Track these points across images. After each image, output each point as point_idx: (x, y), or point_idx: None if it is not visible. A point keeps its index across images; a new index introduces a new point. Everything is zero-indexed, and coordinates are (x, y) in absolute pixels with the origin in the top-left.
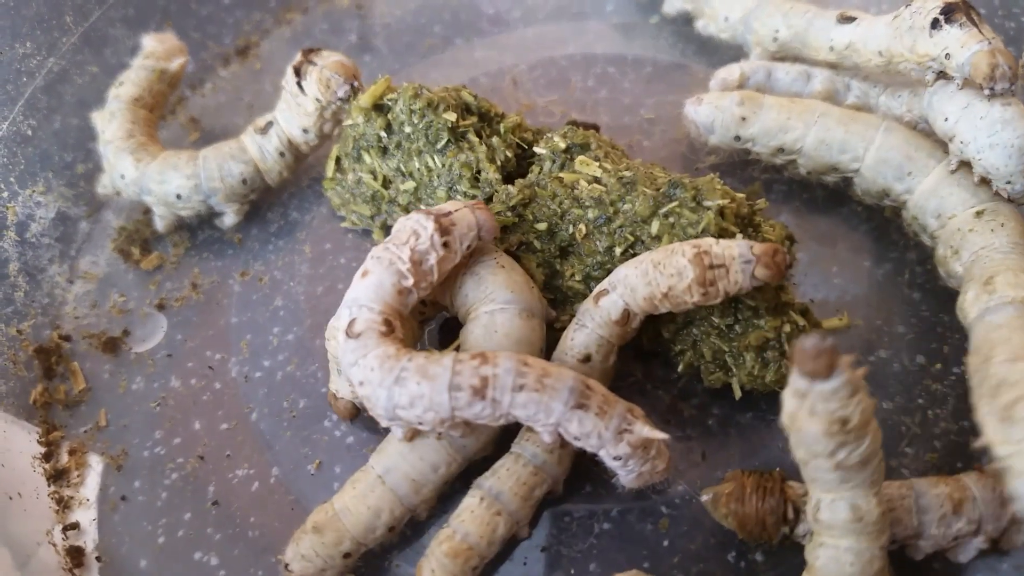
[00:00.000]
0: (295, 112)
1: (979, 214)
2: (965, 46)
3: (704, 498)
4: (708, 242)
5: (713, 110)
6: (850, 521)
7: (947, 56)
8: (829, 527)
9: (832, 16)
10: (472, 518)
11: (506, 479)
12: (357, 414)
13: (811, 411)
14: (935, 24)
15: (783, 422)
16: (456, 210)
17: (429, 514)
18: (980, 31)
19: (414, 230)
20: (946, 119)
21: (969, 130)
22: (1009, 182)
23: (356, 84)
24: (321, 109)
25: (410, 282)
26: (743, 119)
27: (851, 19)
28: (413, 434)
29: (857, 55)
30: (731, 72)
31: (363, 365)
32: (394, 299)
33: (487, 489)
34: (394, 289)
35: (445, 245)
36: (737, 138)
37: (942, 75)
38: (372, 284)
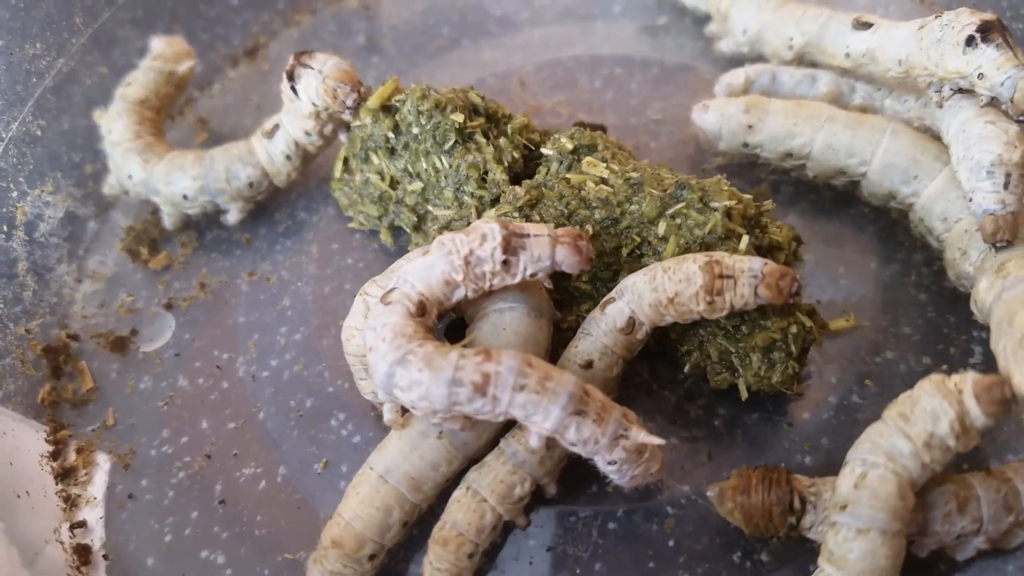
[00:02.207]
0: (294, 116)
1: None
2: (1001, 68)
3: (710, 493)
4: (721, 253)
5: (719, 118)
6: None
7: (980, 76)
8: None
9: (847, 20)
10: (459, 507)
11: (486, 474)
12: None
13: None
14: (970, 41)
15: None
16: (536, 235)
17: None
18: (1015, 54)
19: (484, 234)
20: (948, 131)
21: (955, 142)
22: (970, 198)
23: (362, 90)
24: (317, 113)
25: (459, 277)
26: (750, 126)
27: (868, 25)
28: (403, 423)
29: (875, 64)
30: (736, 77)
31: (378, 333)
32: (438, 286)
33: (471, 480)
34: (442, 277)
35: (505, 263)
36: (745, 144)
37: (959, 91)
38: (424, 265)
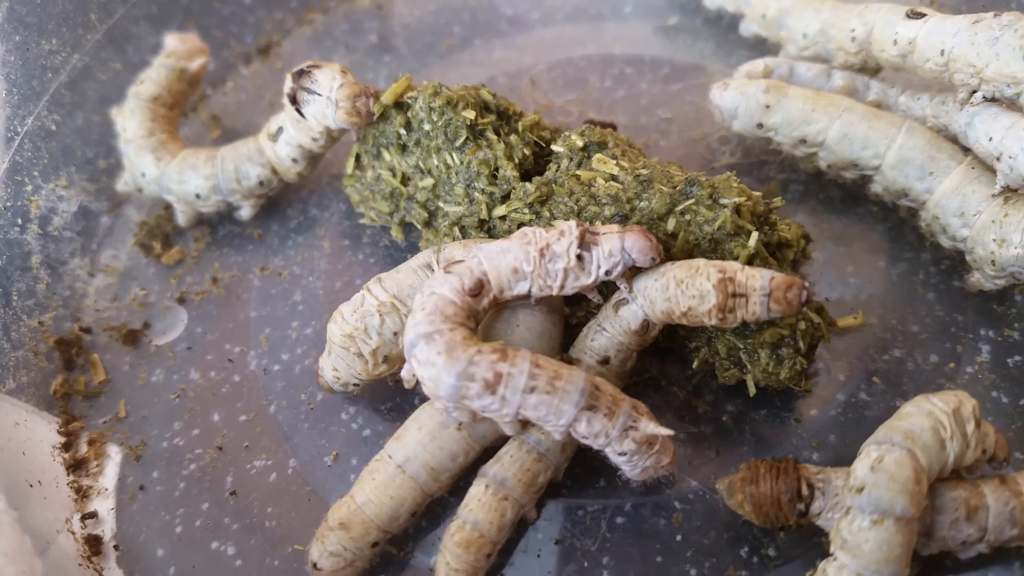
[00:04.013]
0: (301, 129)
1: (1006, 200)
2: None
3: (719, 486)
4: (734, 267)
5: (738, 96)
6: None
7: None
8: (891, 479)
9: (901, 12)
10: (479, 506)
11: (510, 465)
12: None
13: None
14: None
15: None
16: (606, 232)
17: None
18: None
19: (562, 230)
20: (991, 138)
21: (1016, 143)
22: None
23: (373, 92)
24: (328, 129)
25: (529, 269)
26: (767, 107)
27: (920, 15)
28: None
29: (915, 53)
30: (755, 66)
31: (423, 299)
32: (506, 272)
33: (491, 476)
34: (512, 264)
35: (579, 258)
36: (760, 126)
37: (993, 100)
38: (498, 248)
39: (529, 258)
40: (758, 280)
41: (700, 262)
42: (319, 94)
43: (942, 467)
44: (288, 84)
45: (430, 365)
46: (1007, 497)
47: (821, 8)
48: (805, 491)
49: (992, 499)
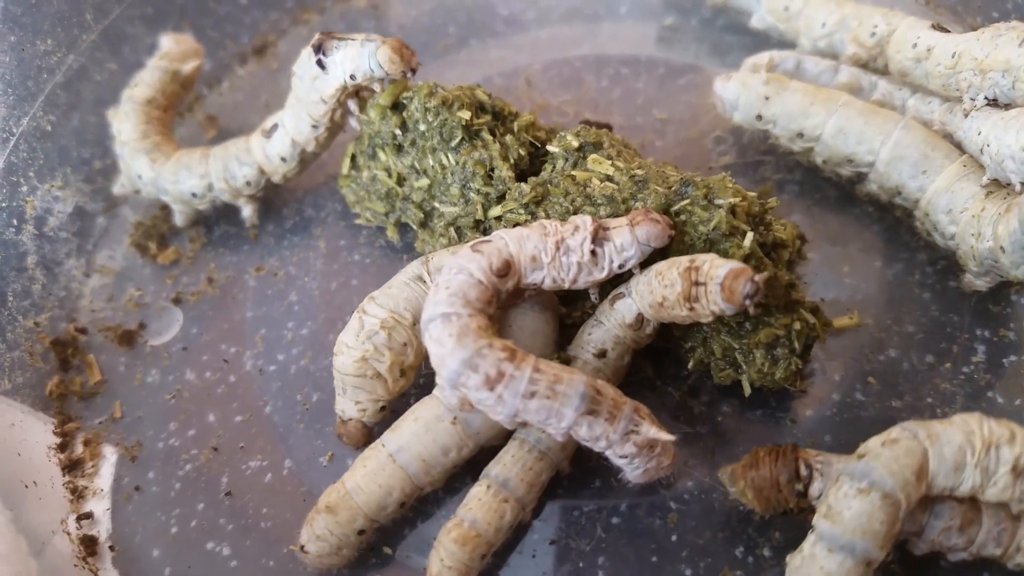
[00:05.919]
0: (306, 102)
1: (988, 195)
2: None
3: (721, 475)
4: (704, 258)
5: (740, 86)
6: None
7: None
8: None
9: (926, 23)
10: (479, 505)
11: (512, 465)
12: (367, 438)
13: None
14: None
15: None
16: (616, 226)
17: (434, 491)
18: None
19: (576, 225)
20: (979, 132)
21: (994, 129)
22: None
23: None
24: (343, 88)
25: (546, 259)
26: (767, 98)
27: (945, 30)
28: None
29: (930, 58)
30: (761, 58)
31: (445, 279)
32: (525, 259)
33: (493, 477)
34: (531, 251)
35: (593, 253)
36: (759, 117)
37: (994, 103)
38: (520, 235)
39: (547, 249)
40: (718, 269)
41: (681, 257)
42: (353, 39)
43: (950, 488)
44: (316, 38)
45: (439, 344)
46: (1000, 518)
47: (843, 3)
48: (804, 471)
49: (987, 515)
